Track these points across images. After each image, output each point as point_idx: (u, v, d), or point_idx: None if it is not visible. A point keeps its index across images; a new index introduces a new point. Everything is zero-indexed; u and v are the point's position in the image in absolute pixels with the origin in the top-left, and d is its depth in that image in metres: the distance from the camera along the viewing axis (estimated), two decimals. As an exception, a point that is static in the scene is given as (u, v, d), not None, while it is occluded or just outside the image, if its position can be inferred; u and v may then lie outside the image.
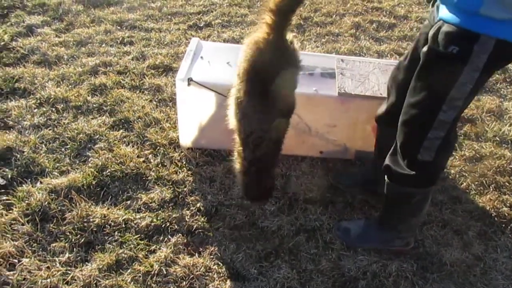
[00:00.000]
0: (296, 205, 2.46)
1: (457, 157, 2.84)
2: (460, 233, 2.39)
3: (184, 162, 2.67)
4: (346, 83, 2.54)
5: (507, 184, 2.68)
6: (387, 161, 2.01)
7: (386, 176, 2.04)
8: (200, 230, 2.29)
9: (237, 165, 2.19)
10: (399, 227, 2.21)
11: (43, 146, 2.70)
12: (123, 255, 2.14)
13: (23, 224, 2.22)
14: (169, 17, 4.31)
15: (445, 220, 2.45)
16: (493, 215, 2.50)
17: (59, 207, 2.32)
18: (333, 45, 3.97)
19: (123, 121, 2.94)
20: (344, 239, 2.30)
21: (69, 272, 2.05)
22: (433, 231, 2.38)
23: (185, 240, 2.24)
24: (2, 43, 3.63)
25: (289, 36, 2.01)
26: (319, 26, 4.27)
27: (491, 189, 2.64)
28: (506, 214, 2.49)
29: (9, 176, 2.48)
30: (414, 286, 2.11)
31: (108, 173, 2.54)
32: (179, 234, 2.27)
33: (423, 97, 1.77)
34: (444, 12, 1.66)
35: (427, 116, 1.79)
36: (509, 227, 2.43)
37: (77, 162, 2.62)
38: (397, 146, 1.94)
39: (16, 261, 2.07)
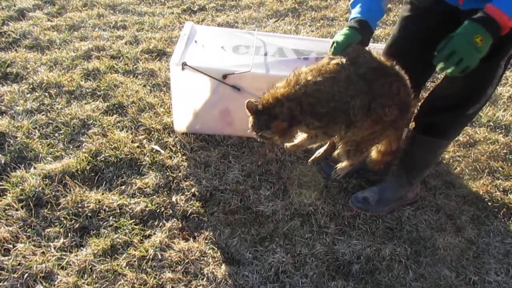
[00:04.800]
0: (291, 190, 2.47)
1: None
2: (453, 218, 2.40)
3: (178, 147, 2.66)
4: (341, 68, 2.53)
5: (500, 169, 2.70)
6: (429, 118, 2.11)
7: (422, 132, 2.16)
8: (195, 215, 2.30)
9: None
10: (413, 180, 2.37)
11: (36, 131, 2.68)
12: (118, 240, 2.14)
13: (17, 210, 2.22)
14: (163, 0, 4.27)
15: (438, 205, 2.46)
16: (486, 199, 2.51)
17: (53, 193, 2.32)
18: (328, 30, 3.94)
19: (116, 106, 2.92)
20: (366, 208, 2.37)
21: (64, 257, 2.05)
22: (427, 216, 2.40)
23: (180, 225, 2.24)
24: (-7, 27, 3.59)
25: None
26: (314, 10, 4.24)
27: (485, 174, 2.66)
28: (499, 199, 2.51)
29: (2, 161, 2.46)
30: (408, 270, 2.13)
31: (102, 158, 2.53)
32: (174, 219, 2.27)
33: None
34: None
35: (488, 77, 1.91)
36: (502, 211, 2.45)
37: (71, 147, 2.60)
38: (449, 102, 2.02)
39: (11, 246, 2.06)
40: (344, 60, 1.77)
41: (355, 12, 1.89)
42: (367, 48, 1.90)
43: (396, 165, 2.43)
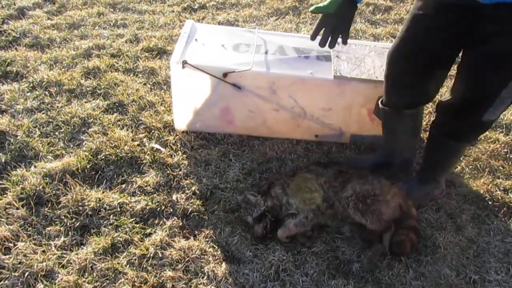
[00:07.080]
0: (291, 188, 2.47)
1: (451, 140, 2.85)
2: (453, 217, 2.40)
3: (179, 146, 2.66)
4: (342, 66, 2.53)
5: (501, 168, 2.70)
6: (448, 125, 2.12)
7: (442, 135, 2.17)
8: (195, 213, 2.30)
9: None
10: (439, 178, 2.40)
11: (37, 130, 2.68)
12: (118, 238, 2.14)
13: (17, 208, 2.22)
14: (163, -1, 4.26)
15: (439, 204, 2.46)
16: (486, 198, 2.51)
17: (54, 191, 2.32)
18: (328, 28, 3.93)
19: (117, 104, 2.92)
20: None
21: (65, 255, 2.05)
22: (427, 215, 2.40)
23: (181, 223, 2.24)
24: (-6, 25, 3.58)
25: None
26: (314, 9, 4.23)
27: (485, 173, 2.65)
28: (500, 198, 2.51)
29: (3, 160, 2.46)
30: (408, 269, 2.13)
31: (103, 157, 2.53)
32: (174, 217, 2.27)
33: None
34: None
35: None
36: (502, 210, 2.45)
37: (71, 146, 2.60)
38: (465, 107, 2.00)
39: (12, 245, 2.06)
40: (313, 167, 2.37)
41: None
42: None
43: (421, 164, 2.45)
